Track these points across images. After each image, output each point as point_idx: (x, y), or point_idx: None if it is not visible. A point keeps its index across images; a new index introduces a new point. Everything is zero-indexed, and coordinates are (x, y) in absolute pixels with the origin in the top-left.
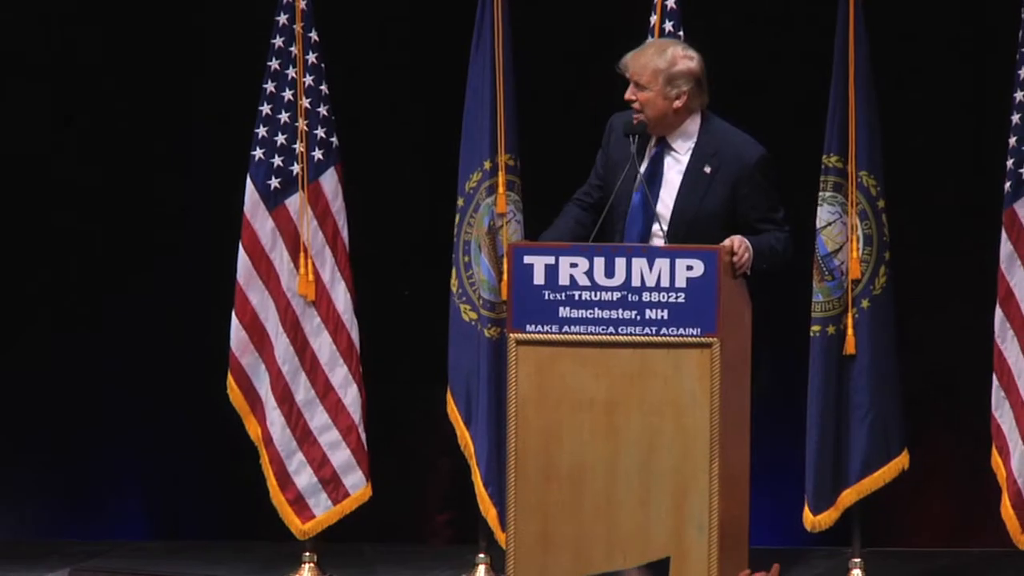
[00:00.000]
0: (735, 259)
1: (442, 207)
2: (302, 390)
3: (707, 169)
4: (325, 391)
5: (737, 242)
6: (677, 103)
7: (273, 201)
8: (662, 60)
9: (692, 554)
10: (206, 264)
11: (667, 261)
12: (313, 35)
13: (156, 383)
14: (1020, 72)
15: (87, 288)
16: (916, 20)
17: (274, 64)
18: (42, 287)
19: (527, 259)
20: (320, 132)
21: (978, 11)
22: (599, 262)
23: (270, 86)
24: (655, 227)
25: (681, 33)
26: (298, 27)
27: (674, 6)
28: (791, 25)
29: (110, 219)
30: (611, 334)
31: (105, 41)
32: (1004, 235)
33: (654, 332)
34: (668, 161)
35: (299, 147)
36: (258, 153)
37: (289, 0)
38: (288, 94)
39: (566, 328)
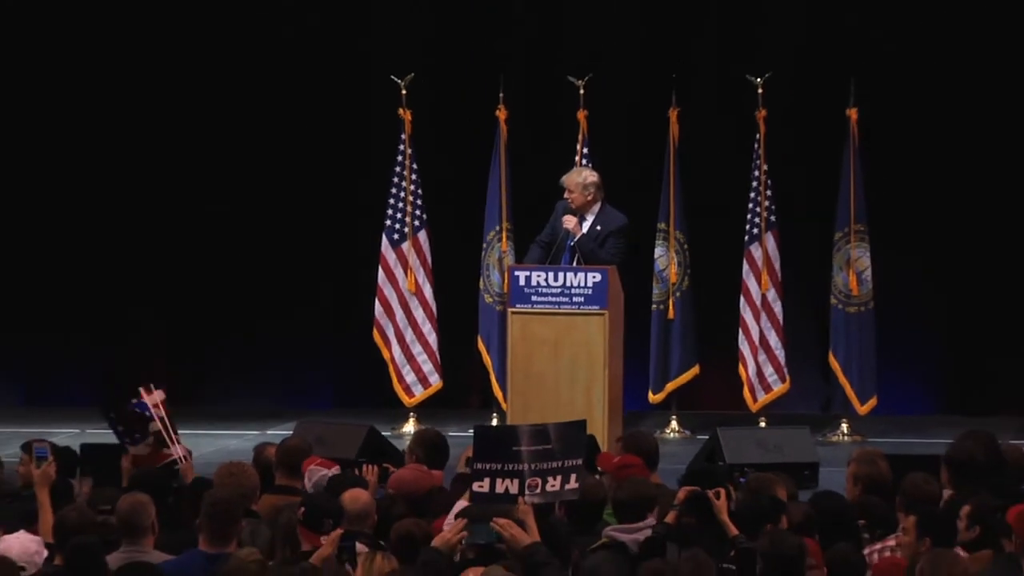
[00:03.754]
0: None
1: (474, 247)
2: (408, 335)
3: (598, 228)
4: (419, 335)
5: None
6: (590, 198)
7: (395, 244)
8: (581, 178)
9: (596, 414)
10: (363, 276)
11: (584, 273)
12: (415, 165)
13: (339, 335)
14: (757, 150)
15: (311, 288)
16: (719, 152)
17: (395, 178)
18: (284, 289)
19: (517, 273)
20: (418, 211)
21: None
22: (551, 274)
23: (394, 188)
24: (576, 258)
25: (589, 164)
26: (407, 160)
27: (587, 151)
28: (644, 153)
29: (318, 253)
30: (557, 308)
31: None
32: (745, 264)
33: (577, 308)
34: (583, 225)
35: (408, 219)
36: (388, 221)
37: (402, 148)
38: (403, 192)
39: (535, 306)
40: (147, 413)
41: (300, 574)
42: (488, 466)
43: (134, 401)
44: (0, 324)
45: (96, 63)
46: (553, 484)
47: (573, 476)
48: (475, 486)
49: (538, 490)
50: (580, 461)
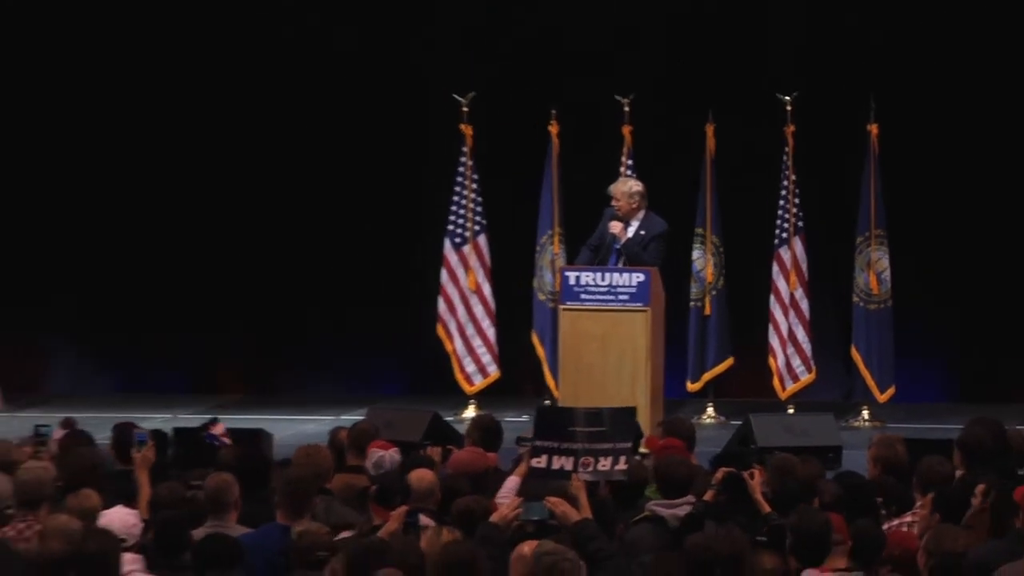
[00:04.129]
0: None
1: (528, 250)
2: (469, 328)
3: (642, 232)
4: (479, 329)
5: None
6: (635, 205)
7: (457, 247)
8: (627, 187)
9: (639, 401)
10: (429, 276)
11: (628, 273)
12: (475, 175)
13: (407, 330)
14: (785, 162)
15: (383, 286)
16: (751, 163)
17: (457, 187)
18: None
19: (567, 273)
20: (478, 217)
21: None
22: (598, 275)
23: (456, 196)
24: (621, 260)
25: (634, 175)
26: (468, 171)
27: (632, 163)
28: (683, 164)
29: (388, 255)
30: (604, 306)
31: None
32: (775, 265)
33: (623, 305)
34: (628, 230)
35: (468, 224)
36: (451, 226)
37: (463, 161)
38: (465, 199)
39: (585, 304)
40: (216, 443)
41: (369, 546)
42: (546, 443)
43: (204, 434)
44: (100, 320)
45: (168, 72)
46: (604, 464)
47: (623, 458)
48: (534, 462)
49: (590, 468)
50: (630, 444)
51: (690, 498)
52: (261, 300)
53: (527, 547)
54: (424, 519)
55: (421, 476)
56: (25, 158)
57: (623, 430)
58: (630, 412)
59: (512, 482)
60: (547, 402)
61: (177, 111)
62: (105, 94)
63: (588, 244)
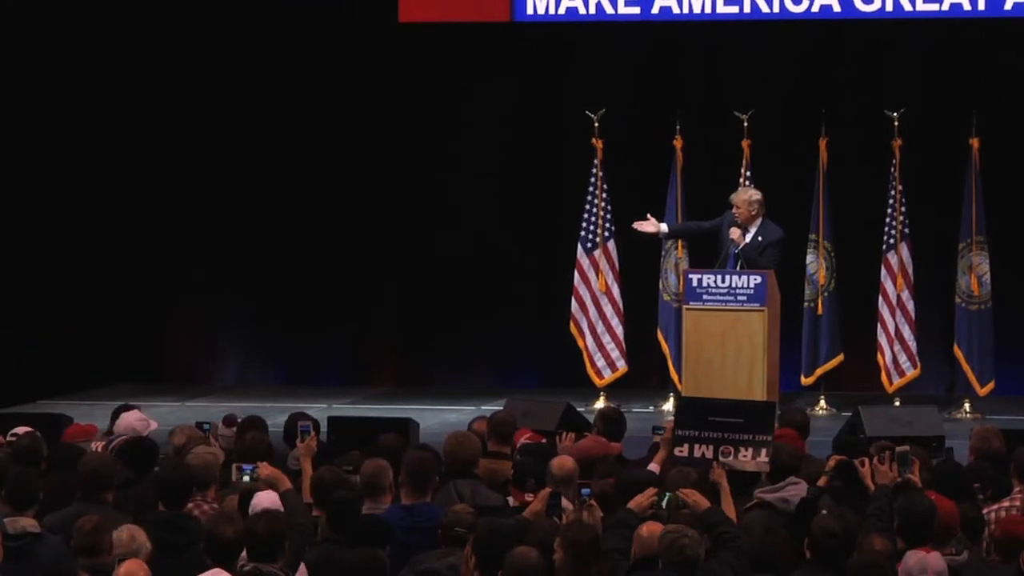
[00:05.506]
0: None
1: (654, 254)
2: (599, 326)
3: (759, 239)
4: (608, 327)
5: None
6: (754, 213)
7: (588, 252)
8: (747, 196)
9: (756, 394)
10: (563, 278)
11: (746, 276)
12: (605, 185)
13: (543, 327)
14: (893, 173)
15: (520, 288)
16: (861, 174)
17: (589, 196)
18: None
19: (690, 275)
20: (607, 223)
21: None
22: (719, 277)
23: (588, 204)
24: (740, 263)
25: (752, 185)
26: (599, 181)
27: (749, 174)
28: (798, 175)
29: (524, 260)
30: (724, 306)
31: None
32: (883, 269)
33: (741, 305)
34: (746, 236)
35: (599, 230)
36: (583, 232)
37: (595, 172)
38: (596, 208)
39: (706, 304)
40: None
41: (514, 524)
42: (688, 433)
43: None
44: (267, 317)
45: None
46: (745, 454)
47: (764, 451)
48: (676, 450)
49: (730, 458)
50: (770, 438)
51: (792, 479)
52: (413, 300)
53: (646, 528)
54: (566, 501)
55: (562, 463)
56: (199, 163)
57: (763, 423)
58: (770, 407)
59: (654, 468)
60: (671, 395)
61: (339, 123)
62: (269, 97)
63: (703, 220)
